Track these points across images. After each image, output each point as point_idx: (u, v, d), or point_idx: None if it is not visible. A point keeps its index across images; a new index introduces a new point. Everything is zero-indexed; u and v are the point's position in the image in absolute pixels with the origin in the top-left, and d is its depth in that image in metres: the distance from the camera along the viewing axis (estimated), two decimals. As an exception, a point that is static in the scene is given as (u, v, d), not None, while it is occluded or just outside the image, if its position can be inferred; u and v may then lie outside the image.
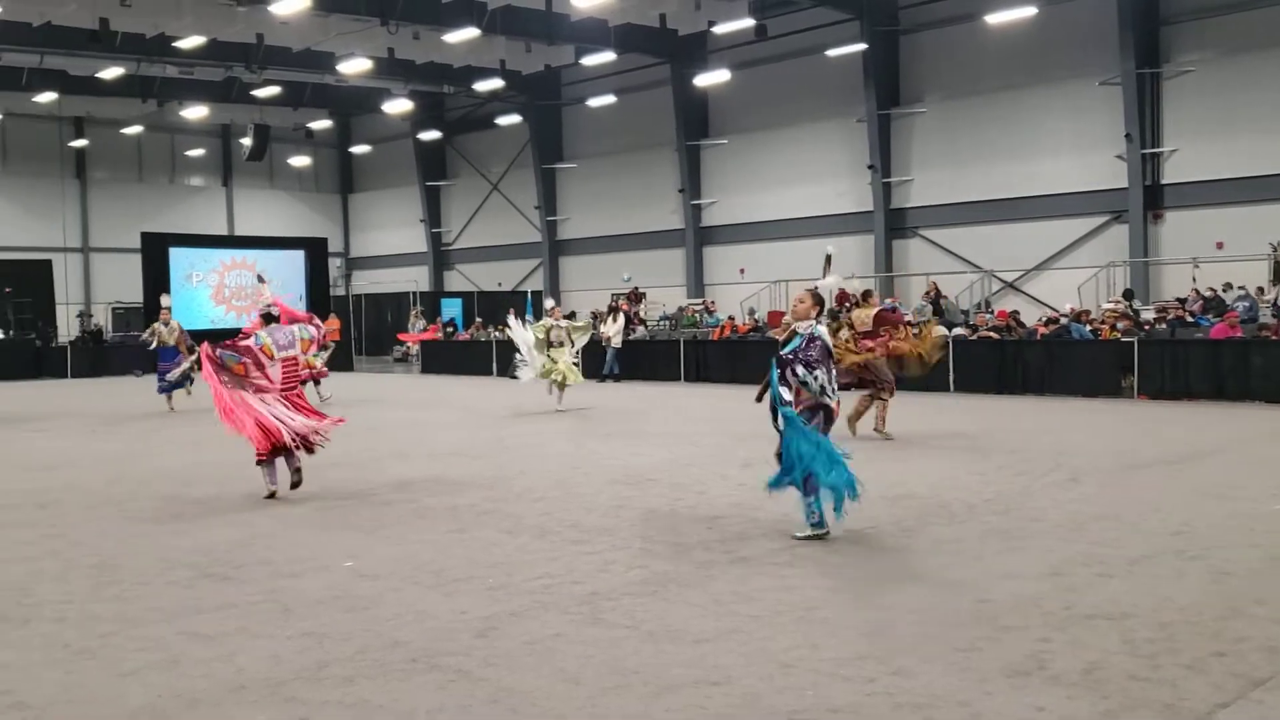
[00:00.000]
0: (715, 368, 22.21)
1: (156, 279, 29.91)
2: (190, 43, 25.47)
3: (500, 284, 37.42)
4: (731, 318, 26.77)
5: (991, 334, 19.74)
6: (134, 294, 32.03)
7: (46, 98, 30.77)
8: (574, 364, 16.88)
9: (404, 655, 4.95)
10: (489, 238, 38.48)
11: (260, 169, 39.85)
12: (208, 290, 32.51)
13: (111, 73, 28.16)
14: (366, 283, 40.71)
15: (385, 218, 42.38)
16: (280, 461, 9.05)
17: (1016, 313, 22.31)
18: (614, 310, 24.67)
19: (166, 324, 17.42)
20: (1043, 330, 19.94)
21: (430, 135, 37.63)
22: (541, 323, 17.10)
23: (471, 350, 27.93)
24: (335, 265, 41.04)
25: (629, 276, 32.03)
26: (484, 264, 38.72)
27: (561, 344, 16.51)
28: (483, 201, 38.63)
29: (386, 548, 7.15)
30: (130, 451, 12.58)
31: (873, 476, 9.77)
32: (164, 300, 18.20)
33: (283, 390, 9.18)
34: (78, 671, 4.79)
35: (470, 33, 25.24)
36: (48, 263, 31.88)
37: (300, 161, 41.14)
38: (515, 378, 17.23)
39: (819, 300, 7.44)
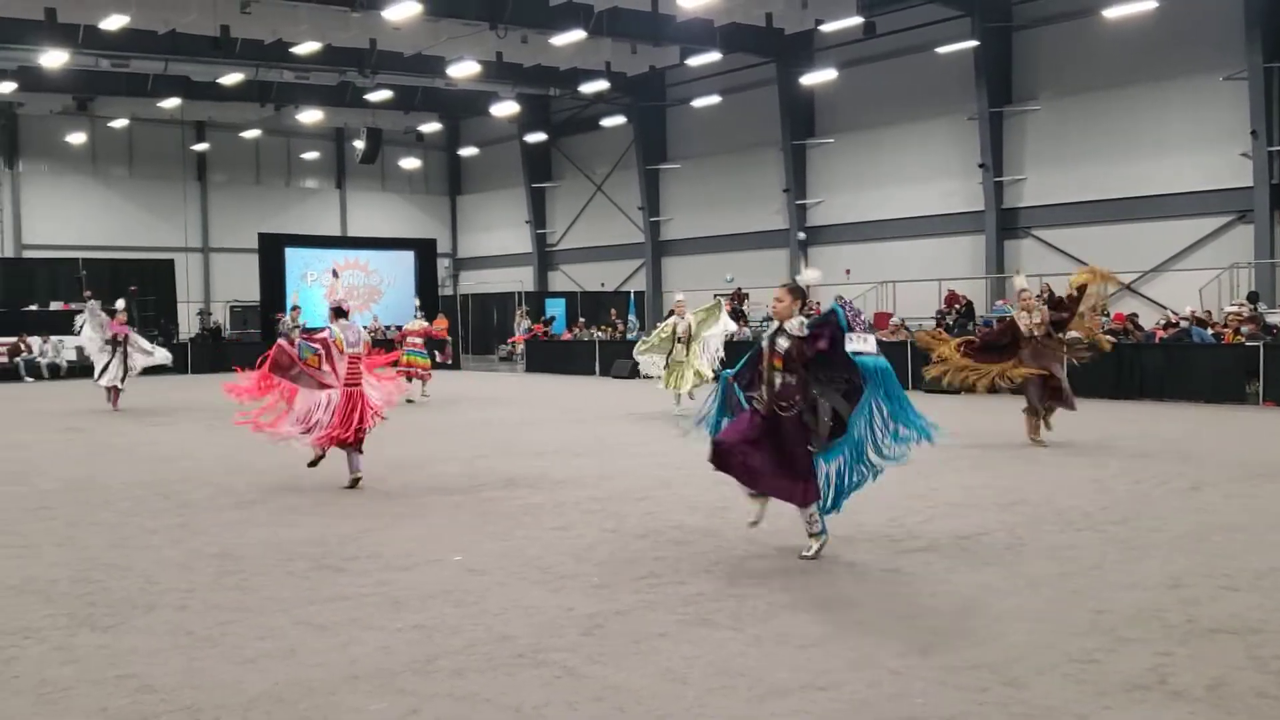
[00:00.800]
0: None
1: (272, 278, 30.94)
2: (306, 48, 26.17)
3: (603, 284, 37.65)
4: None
5: (1108, 338, 19.14)
6: (251, 293, 33.10)
7: (170, 103, 31.95)
8: (695, 366, 15.34)
9: (511, 650, 5.01)
10: (592, 238, 38.75)
11: (372, 171, 40.78)
12: (321, 290, 33.43)
13: (231, 78, 29.10)
14: (473, 283, 41.37)
15: (492, 219, 43.00)
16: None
17: (1134, 316, 21.60)
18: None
19: (295, 322, 17.85)
20: (1161, 334, 19.26)
21: (536, 137, 38.05)
22: (666, 322, 15.98)
23: (574, 349, 28.17)
24: (443, 266, 41.80)
25: (732, 277, 31.91)
26: (587, 264, 39.00)
27: (692, 339, 15.22)
28: (587, 203, 38.92)
29: (493, 543, 7.25)
30: (247, 444, 12.95)
31: (984, 482, 9.59)
32: (293, 299, 18.78)
33: (347, 385, 9.60)
34: (200, 658, 4.95)
35: (577, 35, 25.44)
36: (170, 262, 33.17)
37: (410, 164, 41.99)
38: (646, 376, 16.72)
39: (800, 293, 6.76)
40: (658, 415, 16.24)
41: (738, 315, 24.86)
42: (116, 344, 17.57)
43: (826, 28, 26.10)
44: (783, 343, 6.56)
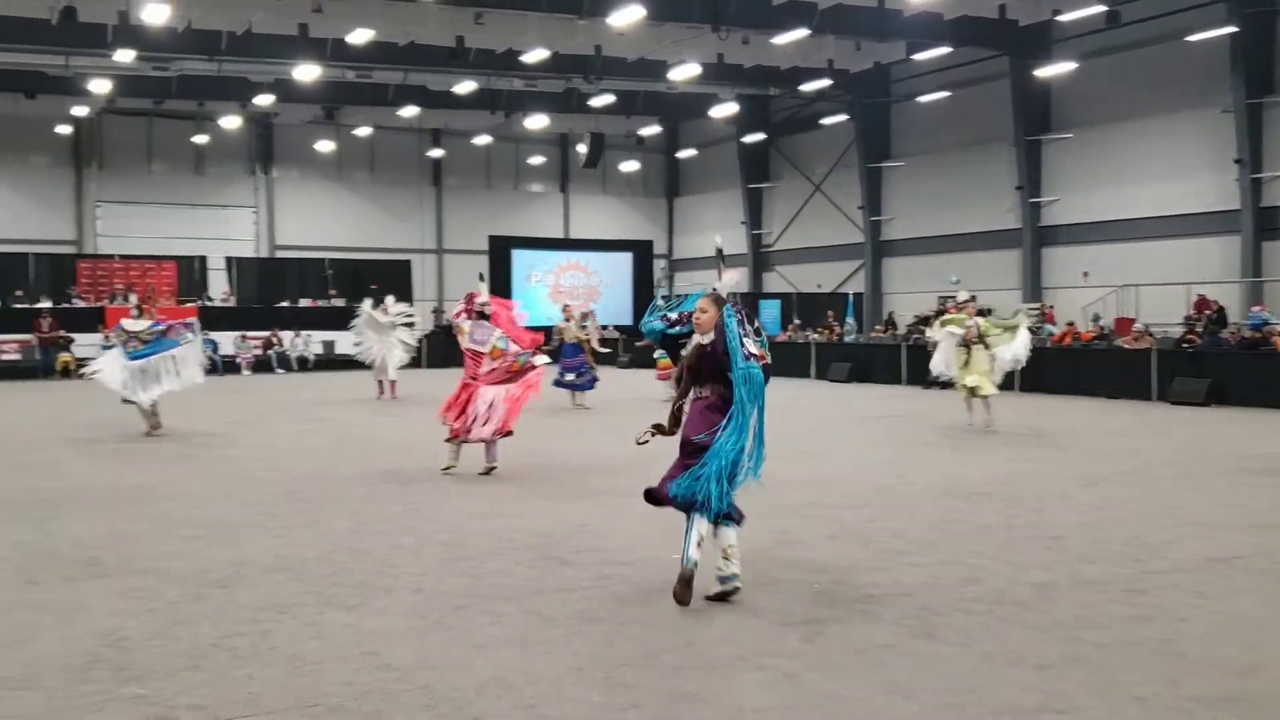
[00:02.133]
0: (1052, 377, 20.89)
1: (500, 278, 32.20)
2: (535, 56, 27.03)
3: (819, 285, 37.18)
4: (1071, 323, 25.19)
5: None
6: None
7: (409, 112, 33.66)
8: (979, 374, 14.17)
9: (730, 652, 4.99)
10: (810, 239, 38.33)
11: (594, 175, 41.75)
12: (545, 289, 34.58)
13: (465, 87, 30.38)
14: (689, 284, 41.68)
15: (708, 220, 43.19)
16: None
17: None
18: (940, 314, 23.83)
19: (569, 319, 18.27)
20: None
21: (754, 138, 37.97)
22: (953, 316, 14.68)
23: (789, 352, 27.89)
24: (659, 267, 42.34)
25: (958, 279, 30.87)
26: (804, 265, 38.60)
27: (979, 343, 14.14)
28: (804, 202, 38.53)
29: (709, 544, 7.23)
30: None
31: (1239, 502, 8.89)
32: (571, 301, 19.43)
33: (471, 379, 10.30)
34: (435, 640, 5.17)
35: (800, 34, 25.22)
36: (407, 262, 34.98)
37: (630, 167, 42.73)
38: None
39: (722, 302, 6.15)
40: (874, 419, 15.90)
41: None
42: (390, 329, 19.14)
43: (1065, 17, 24.87)
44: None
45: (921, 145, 33.72)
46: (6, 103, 30.71)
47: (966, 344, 14.29)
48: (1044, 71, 27.83)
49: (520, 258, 34.90)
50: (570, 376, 17.58)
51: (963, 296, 15.00)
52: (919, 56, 28.13)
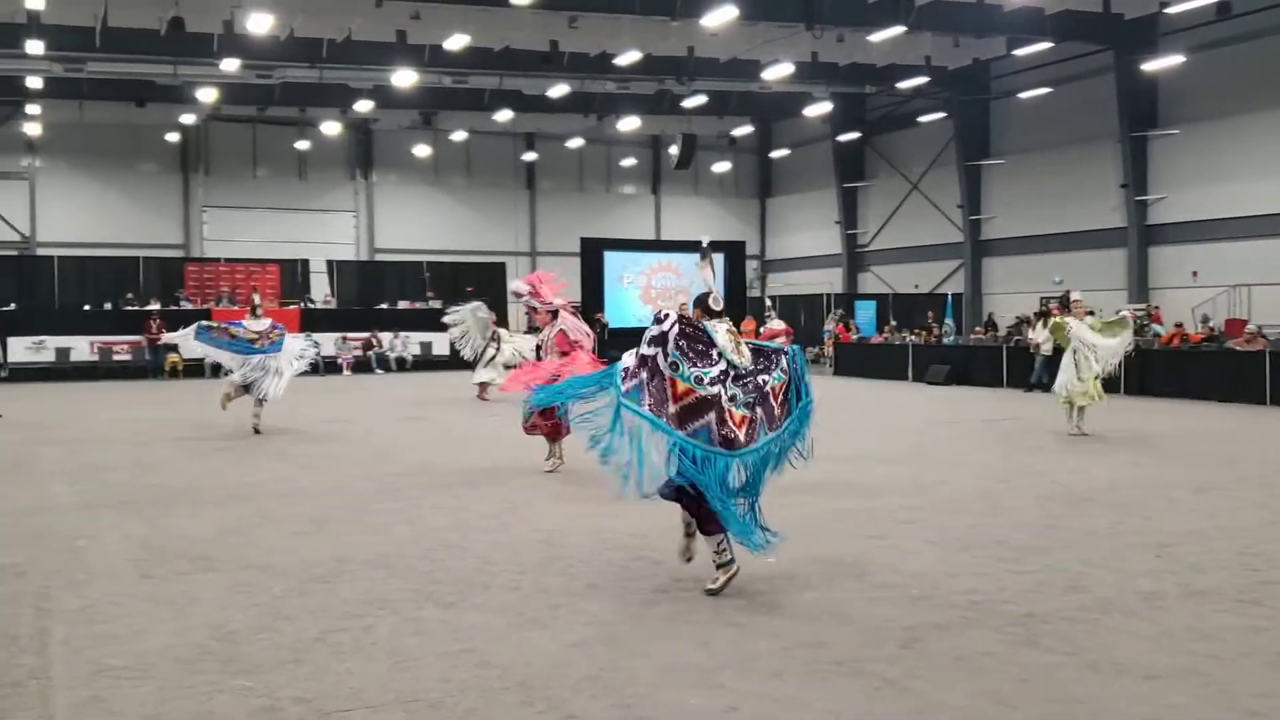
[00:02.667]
0: (1159, 380, 20.23)
1: (593, 280, 32.40)
2: (627, 59, 27.14)
3: (916, 286, 36.63)
4: (1179, 325, 24.40)
5: None
6: (572, 293, 34.69)
7: (503, 116, 34.07)
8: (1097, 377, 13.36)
9: (829, 656, 4.94)
10: (906, 239, 37.79)
11: (685, 176, 41.73)
12: (636, 291, 34.67)
13: (558, 91, 30.65)
14: (781, 285, 41.43)
15: (801, 220, 42.89)
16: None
17: None
18: (1043, 315, 23.28)
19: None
20: None
21: (849, 136, 37.58)
22: (1067, 320, 13.62)
23: (885, 353, 27.53)
24: (751, 267, 42.13)
25: (1060, 279, 30.13)
26: (899, 265, 38.07)
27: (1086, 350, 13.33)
28: (901, 202, 38.00)
29: (806, 548, 7.17)
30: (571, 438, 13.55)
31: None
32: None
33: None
34: (532, 638, 5.22)
35: (896, 31, 24.88)
36: (502, 265, 35.39)
37: (722, 168, 42.63)
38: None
39: (711, 312, 6.06)
40: (975, 422, 15.58)
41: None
42: (491, 340, 19.23)
43: (1172, 10, 24.12)
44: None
45: (1022, 142, 33.01)
46: (118, 111, 31.91)
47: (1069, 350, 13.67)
48: (1150, 65, 27.03)
49: (612, 260, 35.03)
50: None
51: (1075, 296, 14.39)
52: (1020, 52, 27.53)
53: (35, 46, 23.57)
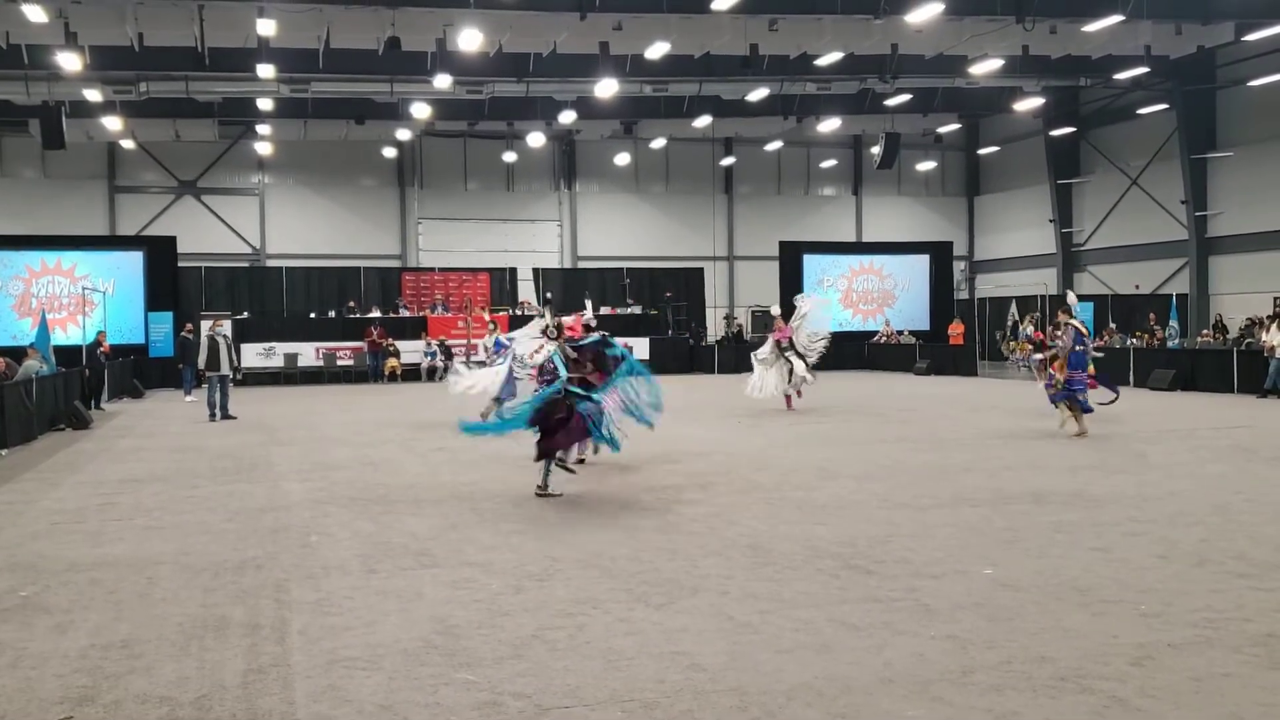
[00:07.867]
0: None
1: (791, 284, 32.17)
2: (828, 59, 26.81)
3: (1137, 286, 34.68)
4: None
5: None
6: (770, 297, 34.59)
7: (702, 122, 34.25)
8: None
9: (1051, 672, 4.74)
10: (1125, 236, 35.85)
11: (887, 176, 40.91)
12: (837, 294, 34.20)
13: (757, 94, 30.58)
14: (991, 286, 40.02)
15: (1012, 219, 41.33)
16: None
17: None
18: (1277, 316, 21.67)
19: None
20: None
21: (1063, 131, 35.95)
22: None
23: (1104, 358, 26.09)
24: (959, 269, 40.90)
25: (1297, 277, 27.98)
26: (1118, 265, 36.15)
27: None
28: (1119, 198, 36.09)
29: (1026, 559, 6.92)
30: (774, 443, 13.51)
31: None
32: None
33: None
34: (742, 643, 5.22)
35: (1113, 20, 23.66)
36: (700, 270, 35.65)
37: (926, 166, 41.57)
38: None
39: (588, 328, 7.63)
40: (1204, 430, 14.63)
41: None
42: (781, 349, 18.09)
43: None
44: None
45: (1254, 133, 30.84)
46: (339, 129, 33.84)
47: None
48: (1405, 41, 24.74)
49: (811, 263, 34.71)
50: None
51: None
52: (1250, 37, 25.69)
53: (266, 70, 25.25)
